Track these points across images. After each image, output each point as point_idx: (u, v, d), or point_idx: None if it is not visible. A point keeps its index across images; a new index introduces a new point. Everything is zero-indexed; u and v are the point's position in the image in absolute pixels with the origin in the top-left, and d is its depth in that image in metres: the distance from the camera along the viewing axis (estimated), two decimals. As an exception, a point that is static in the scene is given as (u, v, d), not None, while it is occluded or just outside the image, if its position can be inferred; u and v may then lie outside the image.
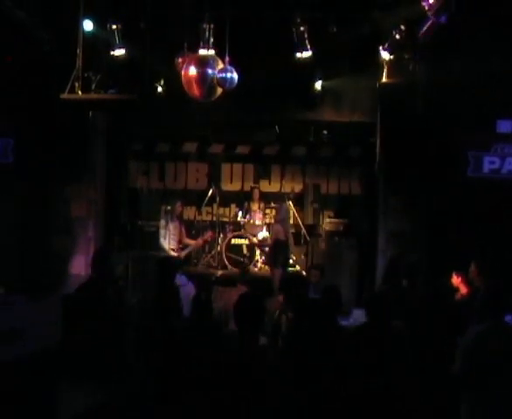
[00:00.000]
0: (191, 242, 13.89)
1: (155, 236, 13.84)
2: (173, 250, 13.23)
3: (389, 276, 10.92)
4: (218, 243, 14.59)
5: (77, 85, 10.56)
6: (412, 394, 6.35)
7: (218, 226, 14.80)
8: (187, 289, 9.71)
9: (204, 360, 5.88)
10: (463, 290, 9.78)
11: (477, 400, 6.27)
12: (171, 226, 13.38)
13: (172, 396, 5.56)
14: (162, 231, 13.43)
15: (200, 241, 14.10)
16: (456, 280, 9.86)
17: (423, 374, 6.85)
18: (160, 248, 13.32)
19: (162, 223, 13.47)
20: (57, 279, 12.44)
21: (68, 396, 3.18)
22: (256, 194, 15.17)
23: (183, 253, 13.53)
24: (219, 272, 13.97)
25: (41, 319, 2.94)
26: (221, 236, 14.66)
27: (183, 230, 13.76)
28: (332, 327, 7.13)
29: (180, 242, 13.58)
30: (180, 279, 9.80)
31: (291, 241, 13.84)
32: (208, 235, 14.21)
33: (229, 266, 14.23)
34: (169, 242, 13.26)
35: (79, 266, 13.01)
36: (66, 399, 3.13)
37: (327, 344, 6.78)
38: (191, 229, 14.65)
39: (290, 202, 14.69)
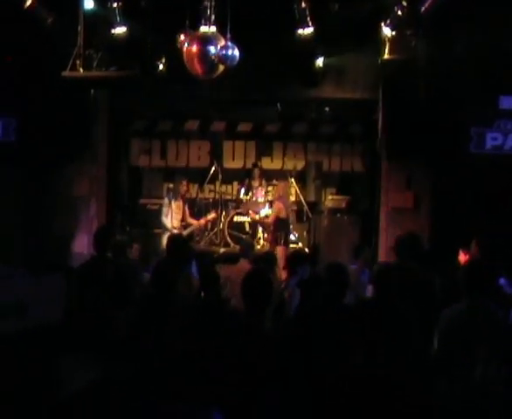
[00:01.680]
0: (194, 222, 13.92)
1: (157, 215, 13.88)
2: (175, 228, 13.26)
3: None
4: (221, 221, 14.59)
5: (78, 62, 10.56)
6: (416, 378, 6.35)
7: (221, 204, 14.82)
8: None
9: (210, 340, 5.89)
10: None
11: (452, 380, 6.25)
12: (174, 205, 13.40)
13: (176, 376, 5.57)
14: (164, 209, 13.46)
15: (203, 221, 14.14)
16: (464, 258, 9.81)
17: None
18: (162, 226, 13.35)
19: (166, 201, 13.51)
20: (59, 258, 12.45)
21: (71, 371, 3.19)
22: (257, 171, 15.11)
23: (185, 232, 13.56)
24: (222, 250, 14.00)
25: (44, 294, 2.94)
26: (223, 213, 14.66)
27: (187, 209, 13.78)
28: (338, 306, 7.13)
29: (183, 221, 13.60)
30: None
31: (293, 218, 13.88)
32: (211, 215, 14.25)
33: (231, 244, 14.24)
34: (171, 220, 13.28)
35: (82, 245, 13.03)
36: (69, 374, 3.13)
37: (332, 323, 6.78)
38: (194, 207, 14.65)
39: (292, 180, 14.68)
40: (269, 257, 9.67)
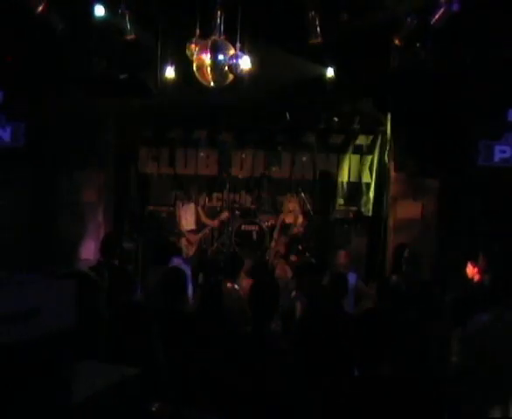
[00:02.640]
0: (208, 221, 14.06)
1: (164, 222, 13.96)
2: (190, 230, 13.43)
3: (396, 266, 10.97)
4: (228, 230, 14.61)
5: (88, 69, 10.61)
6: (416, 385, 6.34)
7: (228, 212, 14.82)
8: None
9: (214, 345, 5.90)
10: (477, 280, 9.75)
11: (477, 393, 6.24)
12: (187, 207, 13.57)
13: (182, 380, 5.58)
14: (177, 213, 13.67)
15: (216, 221, 14.25)
16: (472, 270, 9.81)
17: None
18: (176, 231, 13.51)
19: (178, 205, 13.71)
20: (66, 264, 12.48)
21: (83, 378, 3.20)
22: (266, 181, 15.14)
23: (199, 235, 13.71)
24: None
25: (56, 299, 2.95)
26: (231, 222, 14.66)
27: (200, 210, 13.93)
28: (339, 313, 7.17)
29: (197, 222, 13.74)
30: (176, 261, 9.85)
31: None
32: (224, 215, 14.30)
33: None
34: (186, 223, 13.47)
35: (89, 251, 13.06)
36: (81, 380, 3.15)
37: (334, 330, 6.80)
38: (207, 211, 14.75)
39: (302, 194, 14.64)
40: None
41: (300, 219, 13.64)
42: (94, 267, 8.92)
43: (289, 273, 12.04)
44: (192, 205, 13.79)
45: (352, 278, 9.93)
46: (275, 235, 13.87)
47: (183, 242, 13.57)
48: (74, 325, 3.02)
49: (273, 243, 14.11)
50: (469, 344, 6.25)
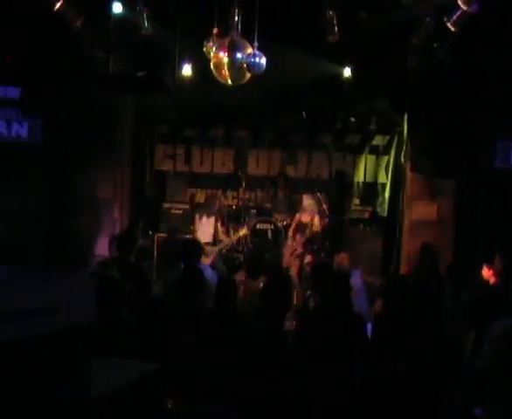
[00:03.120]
0: (226, 239, 13.99)
1: (179, 219, 13.95)
2: (207, 244, 13.39)
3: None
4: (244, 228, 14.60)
5: (105, 66, 10.63)
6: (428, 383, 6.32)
7: (244, 210, 14.78)
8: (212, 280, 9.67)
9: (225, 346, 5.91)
10: (493, 283, 9.72)
11: (502, 399, 6.16)
12: (205, 221, 13.54)
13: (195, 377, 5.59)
14: (195, 226, 13.68)
15: (234, 238, 14.17)
16: (487, 273, 9.78)
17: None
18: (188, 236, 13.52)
19: (196, 216, 13.67)
20: (81, 260, 12.52)
21: (102, 374, 3.21)
22: (282, 180, 15.11)
23: (216, 249, 13.62)
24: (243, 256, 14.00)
25: (76, 295, 2.95)
26: (246, 220, 14.62)
27: (219, 225, 13.90)
28: (340, 313, 7.19)
29: (214, 237, 13.71)
30: (204, 269, 9.80)
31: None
32: (242, 232, 14.21)
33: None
34: (202, 236, 13.44)
35: (104, 248, 13.08)
36: (98, 377, 3.15)
37: (332, 330, 6.83)
38: (228, 221, 14.65)
39: (319, 194, 14.60)
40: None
41: (317, 219, 13.61)
42: (105, 263, 8.95)
43: (305, 272, 12.03)
44: (212, 220, 13.78)
45: (356, 276, 9.95)
46: (291, 234, 13.83)
47: None
48: (93, 321, 3.03)
49: (288, 242, 14.07)
50: (492, 346, 6.20)
